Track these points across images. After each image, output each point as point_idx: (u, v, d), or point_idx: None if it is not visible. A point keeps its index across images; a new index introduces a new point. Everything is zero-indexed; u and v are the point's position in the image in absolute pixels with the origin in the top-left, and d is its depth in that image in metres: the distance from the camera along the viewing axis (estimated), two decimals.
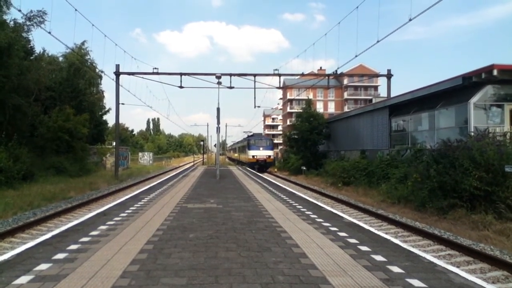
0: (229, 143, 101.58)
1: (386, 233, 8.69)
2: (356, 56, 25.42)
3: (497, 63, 15.13)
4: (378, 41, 17.59)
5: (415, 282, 4.69)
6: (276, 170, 42.73)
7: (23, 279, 4.66)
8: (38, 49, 31.49)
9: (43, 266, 5.18)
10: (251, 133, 54.97)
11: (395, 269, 5.21)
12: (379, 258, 5.75)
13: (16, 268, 5.10)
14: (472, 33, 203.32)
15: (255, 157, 41.33)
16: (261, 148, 41.99)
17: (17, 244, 9.29)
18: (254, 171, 34.33)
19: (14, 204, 14.57)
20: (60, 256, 5.70)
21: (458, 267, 6.98)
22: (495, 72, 15.05)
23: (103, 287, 4.38)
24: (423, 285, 4.59)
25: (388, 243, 6.87)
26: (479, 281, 4.85)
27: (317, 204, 12.01)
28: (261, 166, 40.81)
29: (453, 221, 12.22)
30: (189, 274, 4.90)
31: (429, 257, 5.98)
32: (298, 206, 11.23)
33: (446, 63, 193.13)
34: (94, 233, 7.33)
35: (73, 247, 6.25)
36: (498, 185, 12.30)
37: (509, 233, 10.36)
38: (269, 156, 42.12)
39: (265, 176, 26.16)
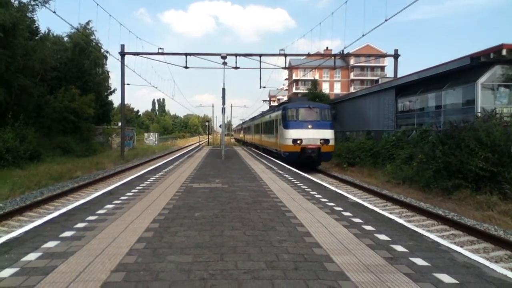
0: (235, 123, 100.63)
1: (391, 213, 8.71)
2: (363, 35, 25.43)
3: (507, 43, 14.89)
4: (386, 20, 17.32)
5: (418, 261, 4.72)
6: None
7: (32, 256, 4.73)
8: (43, 29, 31.48)
9: (51, 244, 5.25)
10: (284, 100, 32.30)
11: (399, 248, 5.25)
12: (383, 237, 5.78)
13: (25, 246, 5.18)
14: (482, 12, 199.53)
15: (299, 142, 21.01)
16: (309, 126, 21.32)
17: (25, 222, 9.45)
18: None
19: (22, 183, 14.76)
20: (67, 234, 5.78)
21: (461, 246, 7.01)
22: (504, 52, 14.84)
23: (110, 264, 4.44)
24: (426, 263, 4.62)
25: (392, 222, 6.90)
26: (482, 260, 4.86)
27: (321, 185, 12.04)
28: (310, 159, 21.26)
29: (457, 202, 12.25)
30: (195, 252, 4.95)
31: (433, 236, 5.99)
32: (303, 186, 11.26)
33: (455, 43, 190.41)
34: (100, 211, 7.41)
35: (80, 225, 6.33)
36: (504, 165, 12.30)
37: None
38: (326, 141, 21.21)
39: (270, 156, 25.61)
